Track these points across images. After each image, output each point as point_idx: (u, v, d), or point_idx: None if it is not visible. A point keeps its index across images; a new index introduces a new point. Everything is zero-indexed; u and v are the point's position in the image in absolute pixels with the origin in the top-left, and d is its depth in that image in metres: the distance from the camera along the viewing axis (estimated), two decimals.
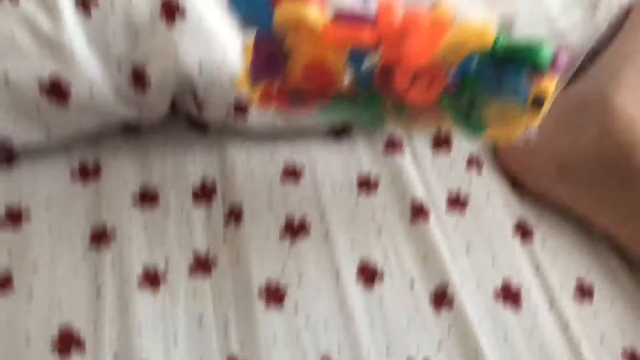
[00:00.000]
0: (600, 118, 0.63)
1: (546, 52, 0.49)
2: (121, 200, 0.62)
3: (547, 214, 0.66)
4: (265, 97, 0.56)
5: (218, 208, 0.63)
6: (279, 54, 0.52)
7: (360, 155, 0.68)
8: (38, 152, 0.64)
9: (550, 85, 0.50)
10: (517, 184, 0.68)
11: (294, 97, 0.55)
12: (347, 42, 0.50)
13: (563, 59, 0.50)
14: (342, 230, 0.62)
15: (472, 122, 0.54)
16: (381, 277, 0.60)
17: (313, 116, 0.62)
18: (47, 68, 0.57)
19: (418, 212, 0.64)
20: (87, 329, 0.54)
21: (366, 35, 0.49)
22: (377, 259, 0.61)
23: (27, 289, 0.56)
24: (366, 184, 0.66)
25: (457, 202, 0.66)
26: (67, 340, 0.53)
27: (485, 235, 0.64)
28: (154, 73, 0.60)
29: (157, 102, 0.63)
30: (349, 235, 0.62)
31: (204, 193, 0.64)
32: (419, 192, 0.65)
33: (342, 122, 0.68)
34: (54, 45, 0.57)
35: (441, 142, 0.70)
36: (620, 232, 0.62)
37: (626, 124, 0.62)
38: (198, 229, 0.62)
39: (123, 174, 0.64)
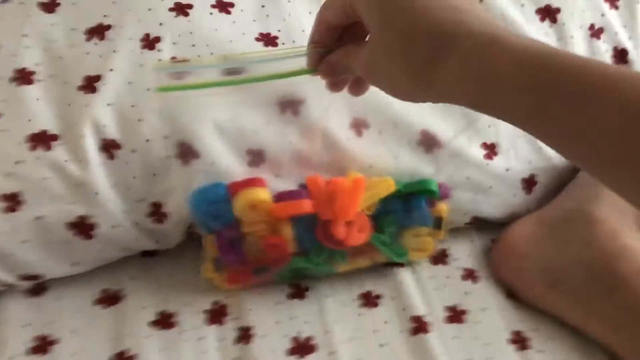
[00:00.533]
0: (585, 231, 0.68)
1: (435, 184, 0.69)
2: (140, 324, 0.67)
3: (543, 323, 0.69)
4: (232, 279, 0.68)
5: (229, 328, 0.67)
6: (239, 239, 0.66)
7: (361, 272, 0.73)
8: (64, 282, 0.69)
9: (443, 208, 0.70)
10: (512, 294, 0.72)
11: (258, 270, 0.68)
12: (294, 214, 0.65)
13: (447, 188, 0.70)
14: (346, 347, 0.66)
15: (396, 249, 0.70)
16: None
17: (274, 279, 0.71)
18: (75, 209, 0.64)
19: (418, 324, 0.68)
20: None
21: (307, 205, 0.64)
22: None
23: None
24: (367, 299, 0.70)
25: (455, 314, 0.69)
26: None
27: (483, 345, 0.67)
28: (170, 207, 0.66)
29: (173, 233, 0.69)
30: (353, 352, 0.66)
31: (216, 314, 0.68)
32: (418, 305, 0.69)
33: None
34: (81, 188, 0.64)
35: (438, 257, 0.75)
36: (611, 342, 0.65)
37: (609, 235, 0.66)
38: (211, 347, 0.66)
39: (141, 297, 0.69)
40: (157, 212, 0.66)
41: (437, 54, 0.44)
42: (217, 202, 0.64)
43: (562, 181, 0.77)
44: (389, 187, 0.67)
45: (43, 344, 0.65)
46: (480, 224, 0.77)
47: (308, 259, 0.68)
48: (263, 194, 0.64)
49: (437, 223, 0.71)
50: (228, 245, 0.66)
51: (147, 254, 0.73)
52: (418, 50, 0.46)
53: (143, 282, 0.71)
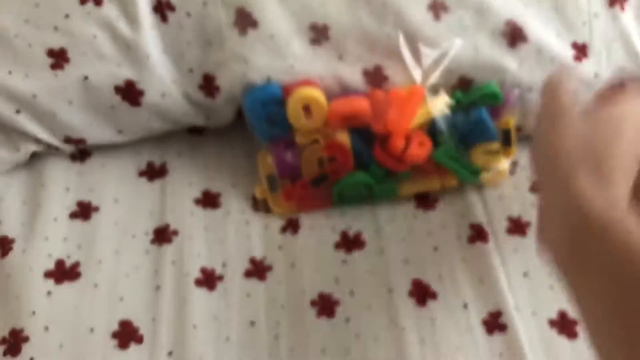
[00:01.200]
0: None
1: (496, 88, 0.62)
2: (184, 201, 0.64)
3: None
4: (288, 194, 0.63)
5: (275, 217, 0.64)
6: (295, 150, 0.62)
7: None
8: (109, 150, 0.67)
9: (510, 120, 0.64)
10: None
11: (316, 181, 0.63)
12: (349, 112, 0.60)
13: (512, 96, 0.63)
14: (397, 246, 0.62)
15: (466, 166, 0.64)
16: (434, 296, 0.59)
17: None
18: (123, 71, 0.60)
19: (477, 232, 0.63)
20: (145, 325, 0.56)
21: (363, 104, 0.60)
22: (431, 277, 0.60)
23: (92, 280, 0.58)
24: (424, 200, 0.66)
25: (518, 225, 0.64)
26: (126, 335, 0.55)
27: (543, 261, 0.62)
28: (223, 81, 0.61)
29: (224, 110, 0.64)
30: (404, 251, 0.62)
31: (264, 201, 0.65)
32: (479, 213, 0.65)
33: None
34: (131, 49, 0.59)
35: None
36: None
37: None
38: (256, 234, 0.63)
39: (187, 174, 0.66)
40: (208, 85, 0.62)
41: None
42: (271, 103, 0.60)
43: None
44: (445, 103, 0.61)
45: (85, 210, 0.63)
46: None
47: (370, 172, 0.62)
48: (317, 93, 0.59)
49: (506, 137, 0.64)
50: (283, 154, 0.62)
51: (195, 131, 0.70)
52: None
53: (190, 159, 0.68)
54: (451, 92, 0.62)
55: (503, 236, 0.63)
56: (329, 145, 0.61)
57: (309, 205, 0.64)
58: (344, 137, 0.61)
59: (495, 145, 0.64)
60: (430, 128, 0.62)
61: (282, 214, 0.64)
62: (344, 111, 0.60)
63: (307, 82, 0.60)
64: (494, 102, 0.62)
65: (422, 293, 0.59)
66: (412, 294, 0.59)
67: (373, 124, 0.60)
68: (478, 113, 0.62)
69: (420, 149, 0.61)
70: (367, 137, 0.62)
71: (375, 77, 0.62)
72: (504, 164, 0.65)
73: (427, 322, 0.58)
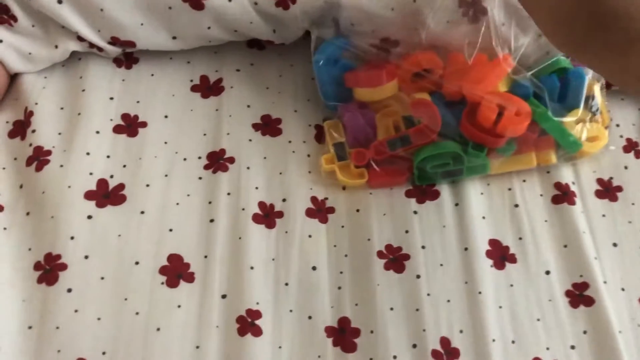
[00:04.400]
0: None
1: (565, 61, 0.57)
2: (242, 124, 0.57)
3: None
4: (359, 156, 0.55)
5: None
6: (368, 114, 0.55)
7: None
8: (158, 57, 0.58)
9: (591, 85, 0.57)
10: None
11: (394, 142, 0.54)
12: (423, 67, 0.54)
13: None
14: (474, 199, 0.56)
15: (567, 135, 0.55)
16: (514, 259, 0.53)
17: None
18: None
19: (563, 192, 0.56)
20: (197, 263, 0.50)
21: (436, 60, 0.54)
22: (511, 238, 0.54)
23: (139, 205, 0.52)
24: None
25: (608, 188, 0.58)
26: (175, 271, 0.49)
27: (636, 230, 0.56)
28: None
29: (294, 25, 0.56)
30: (482, 206, 0.56)
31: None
32: (566, 171, 0.58)
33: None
34: None
35: None
36: None
37: None
38: (317, 170, 0.56)
39: (245, 94, 0.59)
40: None
41: None
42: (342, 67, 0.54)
43: None
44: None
45: (131, 124, 0.55)
46: None
47: (460, 141, 0.54)
48: (383, 93, 0.54)
49: (592, 106, 0.57)
50: (356, 117, 0.54)
51: (255, 46, 0.61)
52: None
53: (249, 77, 0.60)
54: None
55: (592, 199, 0.57)
56: (415, 103, 0.54)
57: (381, 179, 0.56)
58: (425, 97, 0.54)
59: (585, 113, 0.56)
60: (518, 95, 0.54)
61: (351, 183, 0.56)
62: (413, 62, 0.53)
63: (372, 80, 0.54)
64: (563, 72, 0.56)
65: (500, 255, 0.53)
66: (489, 254, 0.53)
67: (445, 85, 0.54)
68: (562, 80, 0.56)
69: (516, 121, 0.52)
70: (450, 104, 0.54)
71: None
72: (602, 132, 0.58)
73: (504, 287, 0.52)
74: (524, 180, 0.57)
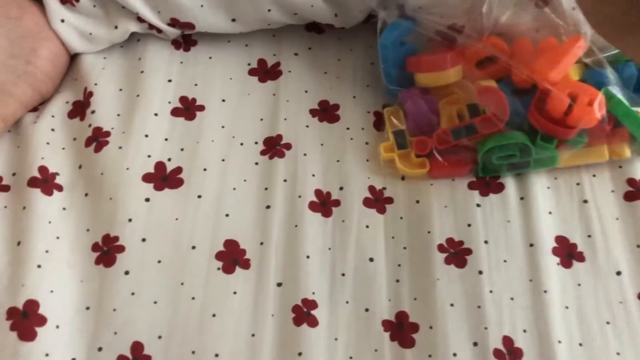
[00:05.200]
0: None
1: None
2: (299, 110, 0.56)
3: None
4: (420, 145, 0.53)
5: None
6: (432, 100, 0.54)
7: None
8: (216, 40, 0.57)
9: None
10: None
11: (458, 131, 0.52)
12: (485, 54, 0.52)
13: None
14: (540, 194, 0.53)
15: None
16: (582, 257, 0.51)
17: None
18: None
19: (637, 188, 0.53)
20: (253, 249, 0.49)
21: (501, 44, 0.52)
22: (579, 235, 0.51)
23: (196, 189, 0.51)
24: None
25: None
26: (232, 257, 0.49)
27: None
28: None
29: (357, 8, 0.54)
30: (549, 201, 0.53)
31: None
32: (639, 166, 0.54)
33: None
34: None
35: None
36: None
37: None
38: (376, 159, 0.54)
39: (303, 79, 0.57)
40: None
41: None
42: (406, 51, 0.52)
43: None
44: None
45: (189, 107, 0.55)
46: None
47: (528, 131, 0.52)
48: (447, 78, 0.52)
49: None
50: (419, 103, 0.52)
51: (313, 29, 0.60)
52: None
53: (307, 61, 0.58)
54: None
55: None
56: (482, 91, 0.51)
57: (443, 170, 0.53)
58: (492, 84, 0.51)
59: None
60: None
61: (411, 173, 0.54)
62: (478, 48, 0.51)
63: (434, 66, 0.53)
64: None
65: (567, 252, 0.51)
66: (556, 252, 0.51)
67: (513, 73, 0.51)
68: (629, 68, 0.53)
69: (590, 111, 0.49)
70: (519, 91, 0.51)
71: None
72: None
73: (572, 286, 0.49)
74: (594, 175, 0.54)
